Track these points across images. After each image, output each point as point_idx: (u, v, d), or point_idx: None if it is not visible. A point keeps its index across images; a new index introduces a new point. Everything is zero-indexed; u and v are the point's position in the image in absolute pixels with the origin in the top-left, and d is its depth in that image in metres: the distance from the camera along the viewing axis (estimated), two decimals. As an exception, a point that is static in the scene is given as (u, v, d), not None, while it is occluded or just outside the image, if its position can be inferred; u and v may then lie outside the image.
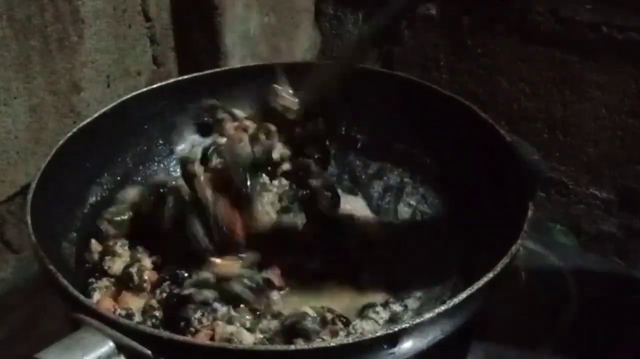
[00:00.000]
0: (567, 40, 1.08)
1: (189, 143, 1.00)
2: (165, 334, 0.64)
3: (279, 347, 0.69)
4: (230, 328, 0.73)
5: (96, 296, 0.79)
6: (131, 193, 0.91)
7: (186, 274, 0.80)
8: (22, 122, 0.98)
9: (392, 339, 0.63)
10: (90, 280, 0.82)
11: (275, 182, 0.88)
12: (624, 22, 1.03)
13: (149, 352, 0.60)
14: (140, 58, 1.15)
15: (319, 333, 0.73)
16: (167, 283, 0.81)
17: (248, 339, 0.72)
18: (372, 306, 0.80)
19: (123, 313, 0.76)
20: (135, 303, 0.79)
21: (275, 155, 0.89)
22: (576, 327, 0.90)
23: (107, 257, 0.84)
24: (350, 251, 0.88)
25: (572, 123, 1.12)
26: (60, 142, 0.85)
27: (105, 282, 0.81)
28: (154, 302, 0.78)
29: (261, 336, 0.74)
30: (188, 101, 1.01)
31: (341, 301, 0.82)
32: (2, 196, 1.00)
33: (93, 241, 0.86)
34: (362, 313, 0.80)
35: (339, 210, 0.89)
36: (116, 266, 0.83)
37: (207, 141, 0.96)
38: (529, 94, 1.15)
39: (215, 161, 0.87)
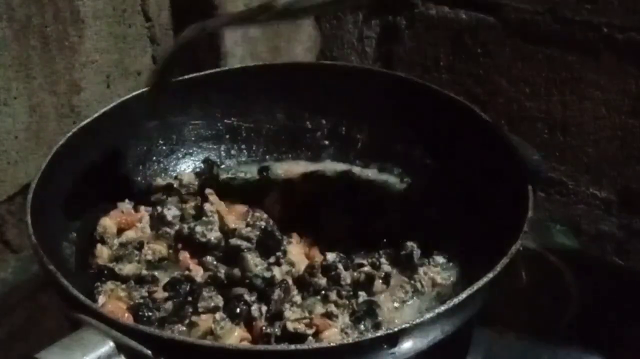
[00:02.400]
0: (568, 40, 1.08)
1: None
2: (166, 334, 0.64)
3: (279, 347, 0.69)
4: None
5: (101, 299, 0.79)
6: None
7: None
8: (22, 122, 0.98)
9: (392, 339, 0.63)
10: (95, 284, 0.82)
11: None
12: (624, 22, 1.03)
13: (149, 352, 0.60)
14: (140, 58, 1.15)
15: None
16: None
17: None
18: None
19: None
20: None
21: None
22: (576, 327, 0.90)
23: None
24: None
25: (572, 123, 1.12)
26: (60, 142, 0.85)
27: (110, 285, 0.81)
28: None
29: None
30: (188, 101, 1.01)
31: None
32: (2, 195, 1.00)
33: (99, 245, 0.86)
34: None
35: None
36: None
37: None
38: (528, 94, 1.15)
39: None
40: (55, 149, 0.84)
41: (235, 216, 0.89)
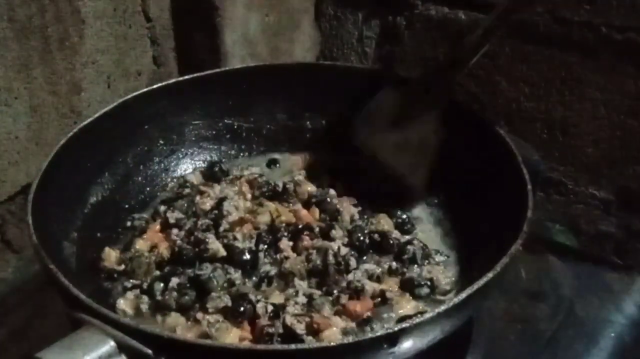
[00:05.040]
0: (567, 40, 1.08)
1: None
2: (166, 333, 0.65)
3: (279, 346, 0.70)
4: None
5: (122, 304, 0.80)
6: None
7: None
8: (23, 123, 0.98)
9: (392, 339, 0.63)
10: (106, 283, 0.83)
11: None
12: (623, 22, 1.03)
13: (150, 351, 0.61)
14: (140, 58, 1.15)
15: None
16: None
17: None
18: None
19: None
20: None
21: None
22: (575, 326, 0.90)
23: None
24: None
25: (572, 123, 1.12)
26: (61, 143, 0.85)
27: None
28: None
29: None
30: (188, 101, 1.02)
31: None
32: (2, 196, 1.00)
33: (106, 248, 0.87)
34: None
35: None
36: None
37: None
38: (528, 94, 1.15)
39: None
40: (56, 150, 0.84)
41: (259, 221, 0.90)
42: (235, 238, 0.86)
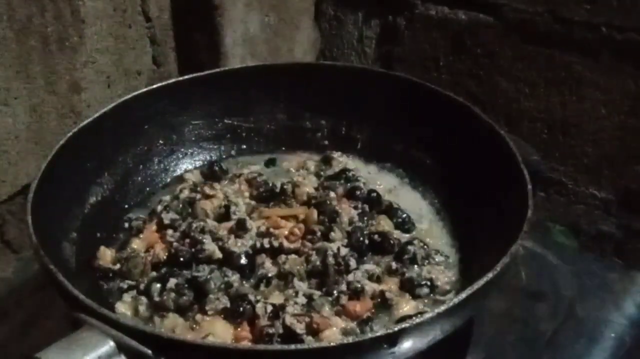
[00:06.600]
0: (567, 40, 1.08)
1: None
2: (165, 333, 0.65)
3: (279, 347, 0.70)
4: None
5: (120, 305, 0.80)
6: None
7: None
8: (23, 122, 0.99)
9: (392, 339, 0.63)
10: (102, 283, 0.83)
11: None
12: (623, 22, 1.03)
13: (149, 351, 0.61)
14: (140, 58, 1.16)
15: None
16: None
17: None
18: None
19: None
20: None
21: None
22: (575, 326, 0.90)
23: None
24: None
25: (572, 123, 1.12)
26: (61, 143, 0.85)
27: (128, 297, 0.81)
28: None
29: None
30: (188, 101, 1.02)
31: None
32: (2, 196, 1.00)
33: (102, 248, 0.86)
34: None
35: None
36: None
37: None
38: (528, 94, 1.16)
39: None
40: (56, 150, 0.84)
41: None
42: (228, 239, 0.85)
